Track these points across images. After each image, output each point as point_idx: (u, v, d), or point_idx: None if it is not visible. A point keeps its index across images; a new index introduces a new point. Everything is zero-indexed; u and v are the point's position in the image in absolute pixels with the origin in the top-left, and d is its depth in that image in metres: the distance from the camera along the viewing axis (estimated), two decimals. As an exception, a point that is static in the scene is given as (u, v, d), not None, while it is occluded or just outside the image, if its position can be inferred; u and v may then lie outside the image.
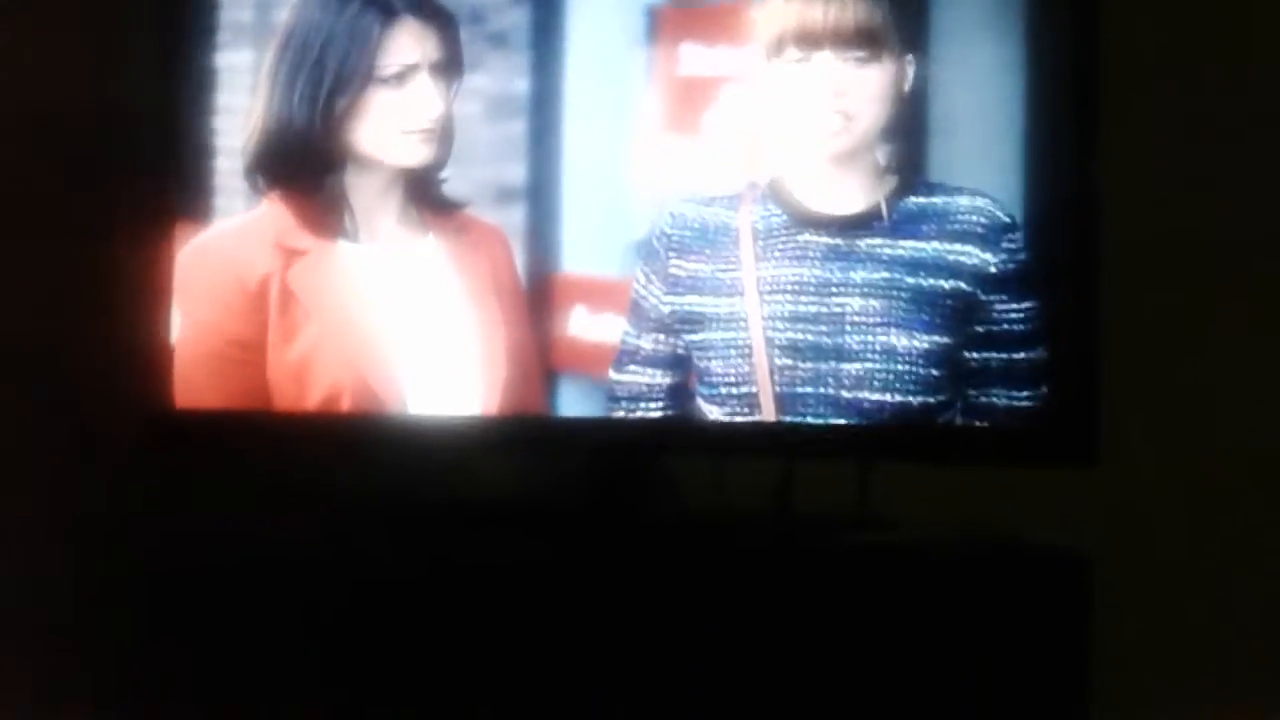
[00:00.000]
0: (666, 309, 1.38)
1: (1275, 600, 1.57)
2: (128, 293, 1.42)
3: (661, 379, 1.38)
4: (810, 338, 1.33)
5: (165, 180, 1.43)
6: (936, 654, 1.30)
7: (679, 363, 1.38)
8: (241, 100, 1.42)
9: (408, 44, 1.36)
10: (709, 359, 1.36)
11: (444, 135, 1.38)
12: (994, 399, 1.34)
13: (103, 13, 1.62)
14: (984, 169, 1.36)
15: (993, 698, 1.29)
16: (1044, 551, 1.33)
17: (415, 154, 1.38)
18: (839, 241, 1.35)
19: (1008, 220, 1.34)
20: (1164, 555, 1.57)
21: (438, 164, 1.39)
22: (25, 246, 1.61)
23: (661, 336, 1.38)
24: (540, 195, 1.41)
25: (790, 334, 1.34)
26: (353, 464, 1.43)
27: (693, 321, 1.37)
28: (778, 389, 1.34)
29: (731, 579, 1.31)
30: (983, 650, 1.30)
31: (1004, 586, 1.31)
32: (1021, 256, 1.34)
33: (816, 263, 1.35)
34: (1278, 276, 1.61)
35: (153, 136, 1.44)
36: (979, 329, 1.33)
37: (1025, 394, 1.34)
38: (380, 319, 1.38)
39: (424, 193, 1.40)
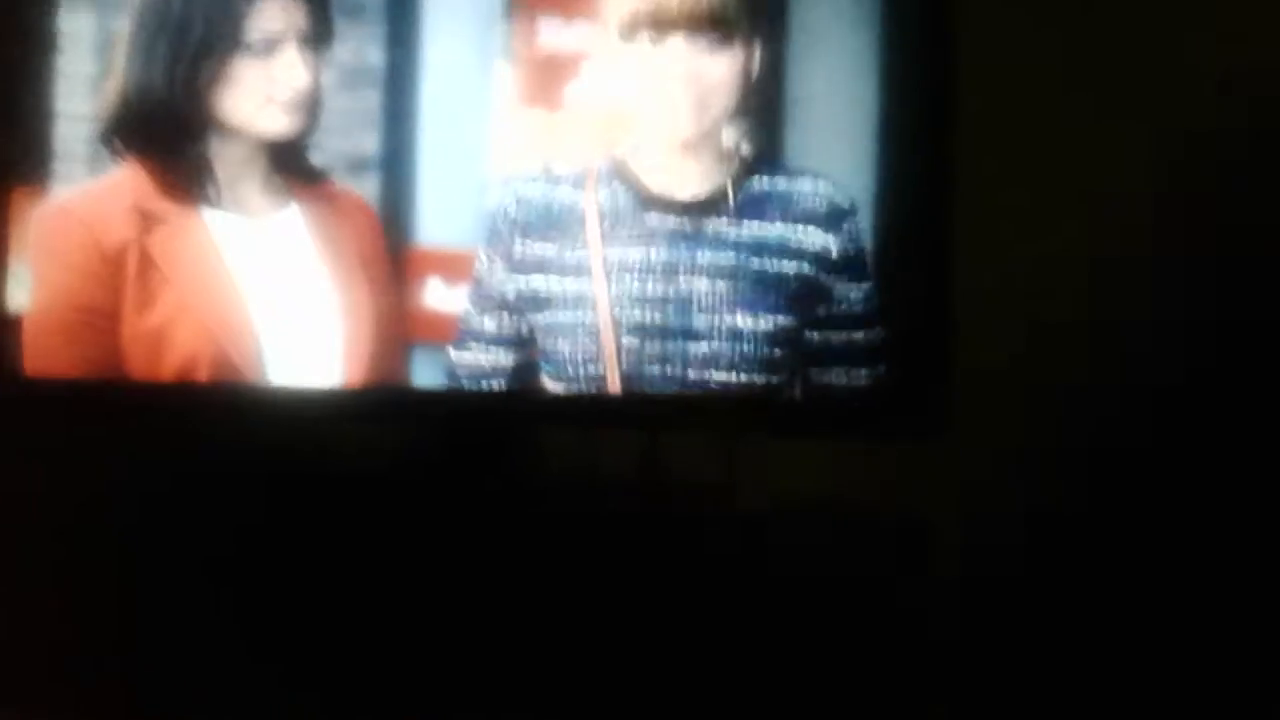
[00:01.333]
0: (510, 289, 1.39)
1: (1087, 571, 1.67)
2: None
3: (504, 359, 1.39)
4: (657, 318, 1.36)
5: (4, 145, 1.40)
6: (791, 618, 1.35)
7: (522, 343, 1.39)
8: (83, 65, 1.41)
9: (275, 12, 1.35)
10: (555, 339, 1.38)
11: (309, 105, 1.37)
12: (833, 377, 1.38)
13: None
14: (836, 151, 1.40)
15: (839, 660, 1.35)
16: (888, 520, 1.39)
17: (279, 124, 1.37)
18: (685, 224, 1.37)
19: (847, 206, 1.38)
20: (1004, 526, 1.66)
21: (303, 133, 1.38)
22: None
23: (505, 316, 1.39)
24: (394, 166, 1.42)
25: (637, 315, 1.36)
26: (208, 433, 1.43)
27: (538, 302, 1.38)
28: (624, 369, 1.37)
29: (591, 544, 1.35)
30: (830, 614, 1.35)
31: (849, 554, 1.37)
32: (860, 241, 1.38)
33: (663, 244, 1.37)
34: (1120, 259, 1.69)
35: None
36: (820, 310, 1.37)
37: (864, 372, 1.39)
38: (241, 288, 1.37)
39: (288, 162, 1.40)
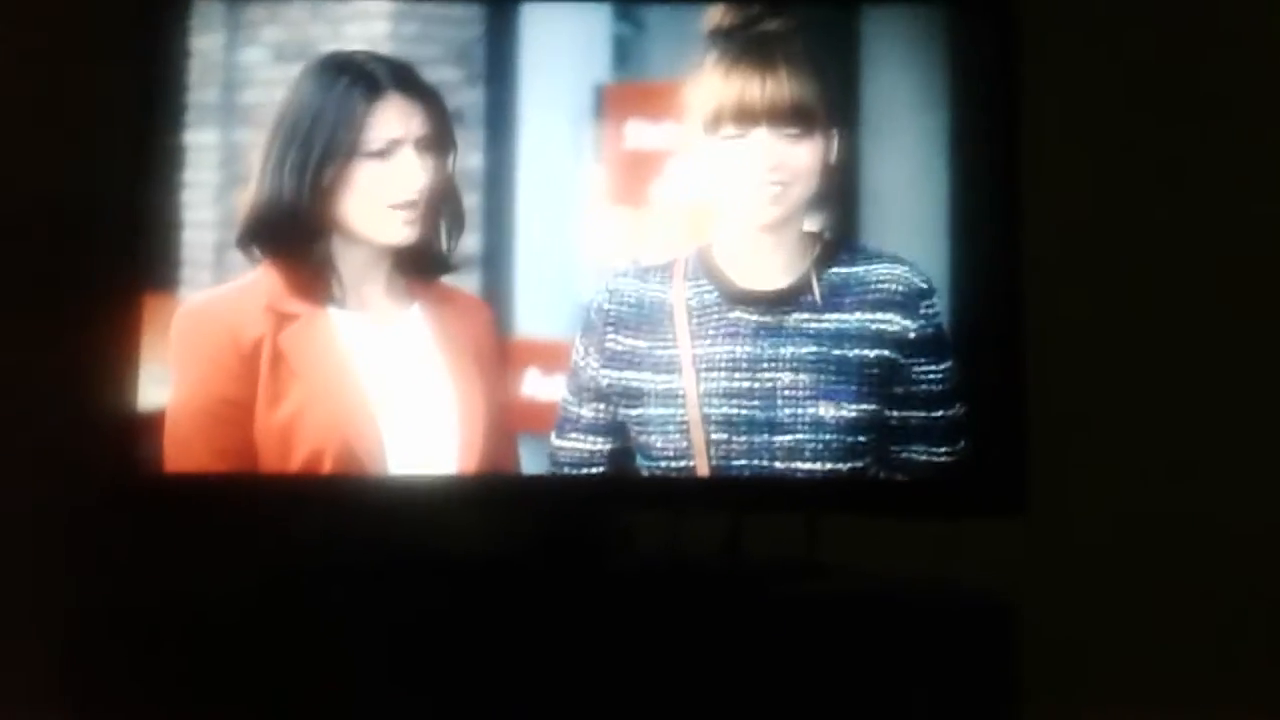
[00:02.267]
0: (604, 381, 1.44)
1: (1199, 645, 1.69)
2: (105, 362, 1.48)
3: (602, 445, 1.45)
4: (744, 412, 1.41)
5: (137, 253, 1.49)
6: (874, 698, 1.39)
7: (618, 430, 1.44)
8: (206, 176, 1.50)
9: (393, 119, 1.42)
10: (647, 433, 1.43)
11: (436, 208, 1.44)
12: (914, 455, 1.43)
13: (77, 100, 1.71)
14: (911, 235, 1.45)
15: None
16: (973, 598, 1.43)
17: (399, 233, 1.44)
18: (768, 318, 1.42)
19: (924, 286, 1.42)
20: (1090, 601, 1.67)
21: (435, 237, 1.45)
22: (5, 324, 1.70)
23: (601, 405, 1.44)
24: (494, 263, 1.50)
25: (725, 409, 1.41)
26: (334, 523, 1.50)
27: (630, 396, 1.44)
28: (713, 462, 1.42)
29: (683, 627, 1.40)
30: (914, 693, 1.40)
31: (935, 632, 1.41)
32: (938, 320, 1.43)
33: (748, 339, 1.42)
34: (1195, 334, 1.71)
35: (125, 212, 1.50)
36: (899, 390, 1.42)
37: (944, 449, 1.44)
38: (365, 383, 1.44)
39: (416, 263, 1.46)
